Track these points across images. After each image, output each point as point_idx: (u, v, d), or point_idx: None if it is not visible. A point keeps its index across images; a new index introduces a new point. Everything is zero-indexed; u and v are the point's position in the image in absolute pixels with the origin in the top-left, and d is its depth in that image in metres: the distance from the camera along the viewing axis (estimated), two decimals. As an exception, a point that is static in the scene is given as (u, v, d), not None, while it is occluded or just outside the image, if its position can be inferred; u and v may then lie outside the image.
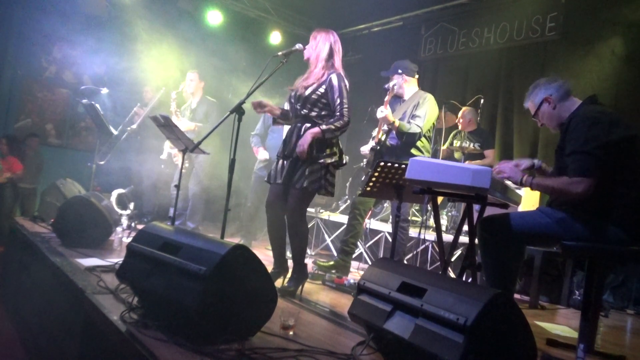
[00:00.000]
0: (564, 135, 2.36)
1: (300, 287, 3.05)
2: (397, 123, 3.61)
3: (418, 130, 3.64)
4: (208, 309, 1.80)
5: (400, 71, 3.84)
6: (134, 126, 5.52)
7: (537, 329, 2.98)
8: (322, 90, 2.97)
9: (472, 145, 5.19)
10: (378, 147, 3.81)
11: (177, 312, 1.91)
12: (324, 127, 2.90)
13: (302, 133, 2.97)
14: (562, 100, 2.46)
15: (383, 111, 3.62)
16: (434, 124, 3.89)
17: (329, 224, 5.51)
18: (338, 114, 2.93)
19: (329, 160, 2.96)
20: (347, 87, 3.00)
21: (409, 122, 3.68)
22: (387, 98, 3.73)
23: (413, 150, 3.72)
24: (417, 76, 3.96)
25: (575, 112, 2.39)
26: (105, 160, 5.31)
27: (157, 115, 3.78)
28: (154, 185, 5.53)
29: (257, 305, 1.99)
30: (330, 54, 3.02)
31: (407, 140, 3.69)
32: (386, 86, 3.83)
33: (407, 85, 3.88)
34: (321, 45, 3.02)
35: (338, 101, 2.93)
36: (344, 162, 3.08)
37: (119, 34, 6.41)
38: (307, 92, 2.99)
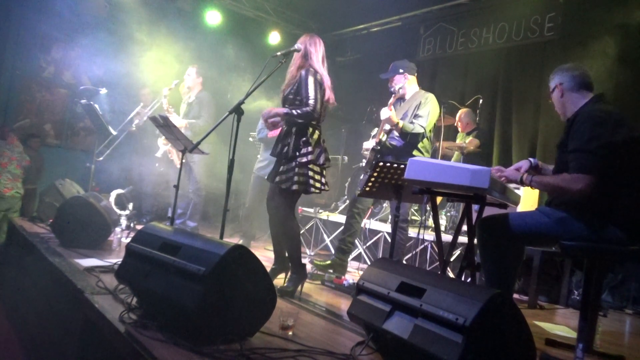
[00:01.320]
0: (568, 131, 2.36)
1: (299, 287, 3.06)
2: (401, 124, 3.63)
3: (422, 130, 3.66)
4: (207, 309, 1.80)
5: (401, 70, 3.85)
6: (133, 127, 5.51)
7: (536, 328, 2.99)
8: (295, 87, 3.06)
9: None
10: (378, 147, 3.82)
11: (176, 313, 1.91)
12: (287, 109, 3.00)
13: (284, 133, 3.10)
14: (571, 91, 2.44)
15: (387, 112, 3.63)
16: (435, 123, 3.91)
17: (328, 224, 5.51)
18: (304, 102, 2.99)
19: (303, 160, 3.00)
20: (321, 81, 3.03)
21: (411, 122, 3.70)
22: (391, 100, 3.76)
23: (414, 152, 3.73)
24: (415, 74, 3.98)
25: (581, 109, 2.38)
26: (103, 156, 5.29)
27: (156, 116, 3.77)
28: (152, 186, 5.52)
29: (256, 306, 1.99)
30: (305, 54, 3.09)
31: (411, 141, 3.71)
32: (392, 89, 3.85)
33: (408, 84, 3.89)
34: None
35: (304, 92, 3.00)
36: (322, 161, 3.05)
37: (117, 34, 6.39)
38: (285, 92, 3.11)
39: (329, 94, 3.10)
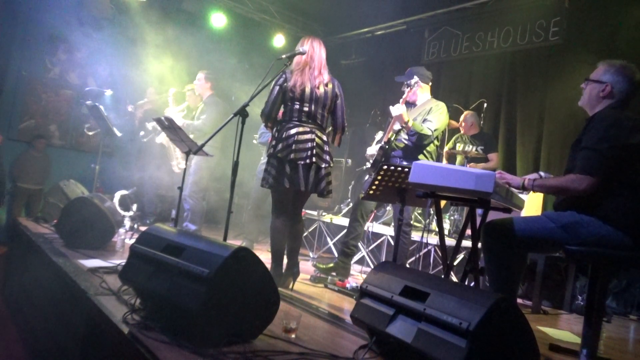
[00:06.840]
0: (584, 129, 2.34)
1: (289, 282, 3.21)
2: (410, 122, 3.64)
3: (429, 133, 3.67)
4: (210, 311, 1.80)
5: (415, 77, 3.85)
6: (142, 135, 5.54)
7: (539, 334, 2.97)
8: None
9: (474, 149, 5.19)
10: (387, 146, 3.82)
11: (180, 314, 1.91)
12: None
13: None
14: (612, 100, 2.37)
15: (399, 109, 3.62)
16: (442, 132, 3.92)
17: (331, 227, 5.51)
18: None
19: (269, 153, 3.13)
20: (280, 84, 3.10)
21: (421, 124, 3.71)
22: (405, 96, 3.75)
23: (420, 155, 3.74)
24: (430, 83, 3.99)
25: (601, 110, 2.36)
26: (97, 163, 5.25)
27: (160, 118, 3.78)
28: (156, 187, 5.54)
29: (259, 308, 1.99)
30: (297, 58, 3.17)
31: (417, 143, 3.72)
32: (407, 82, 3.83)
33: (420, 91, 3.91)
34: None
35: None
36: (282, 153, 3.03)
37: (123, 36, 6.43)
38: None
39: (292, 82, 3.07)
